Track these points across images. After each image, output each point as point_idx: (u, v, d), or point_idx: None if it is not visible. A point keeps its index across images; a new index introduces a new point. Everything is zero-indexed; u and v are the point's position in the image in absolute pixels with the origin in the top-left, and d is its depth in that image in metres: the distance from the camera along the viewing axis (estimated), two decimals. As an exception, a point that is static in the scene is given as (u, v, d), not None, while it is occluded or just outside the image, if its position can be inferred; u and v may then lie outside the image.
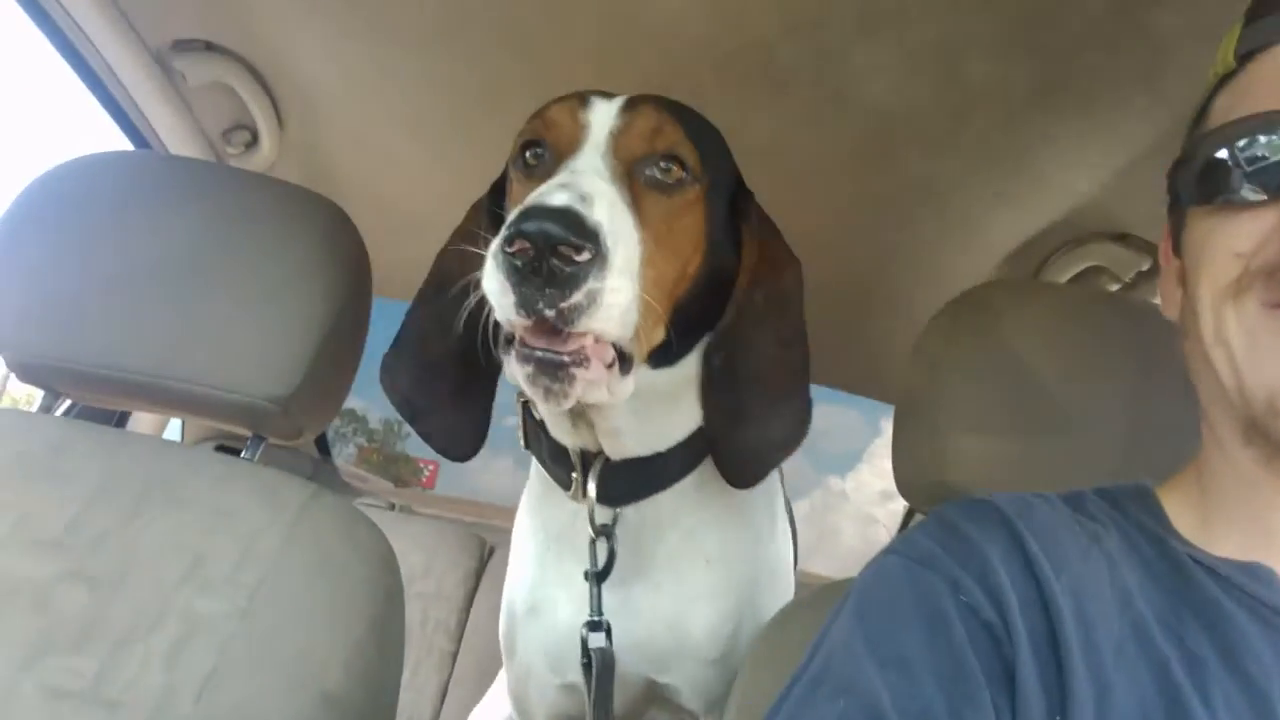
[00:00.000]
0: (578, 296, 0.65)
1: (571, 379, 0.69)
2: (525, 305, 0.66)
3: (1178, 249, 0.65)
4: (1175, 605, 0.56)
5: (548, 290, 0.65)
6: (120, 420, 1.57)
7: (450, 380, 0.90)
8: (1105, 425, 0.90)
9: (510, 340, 0.72)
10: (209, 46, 1.35)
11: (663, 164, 0.80)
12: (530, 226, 0.63)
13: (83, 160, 1.03)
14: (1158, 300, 1.30)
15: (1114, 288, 1.37)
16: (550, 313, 0.65)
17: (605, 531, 0.91)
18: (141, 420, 1.61)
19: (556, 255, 0.64)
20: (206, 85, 1.37)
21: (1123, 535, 0.61)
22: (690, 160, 0.81)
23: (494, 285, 0.67)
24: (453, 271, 0.85)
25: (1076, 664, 0.51)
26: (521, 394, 0.93)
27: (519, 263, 0.64)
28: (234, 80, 1.39)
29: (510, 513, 1.11)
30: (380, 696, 0.81)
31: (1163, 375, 0.90)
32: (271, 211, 1.00)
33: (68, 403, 1.09)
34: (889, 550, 0.64)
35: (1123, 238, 1.32)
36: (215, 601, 0.80)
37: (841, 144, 1.29)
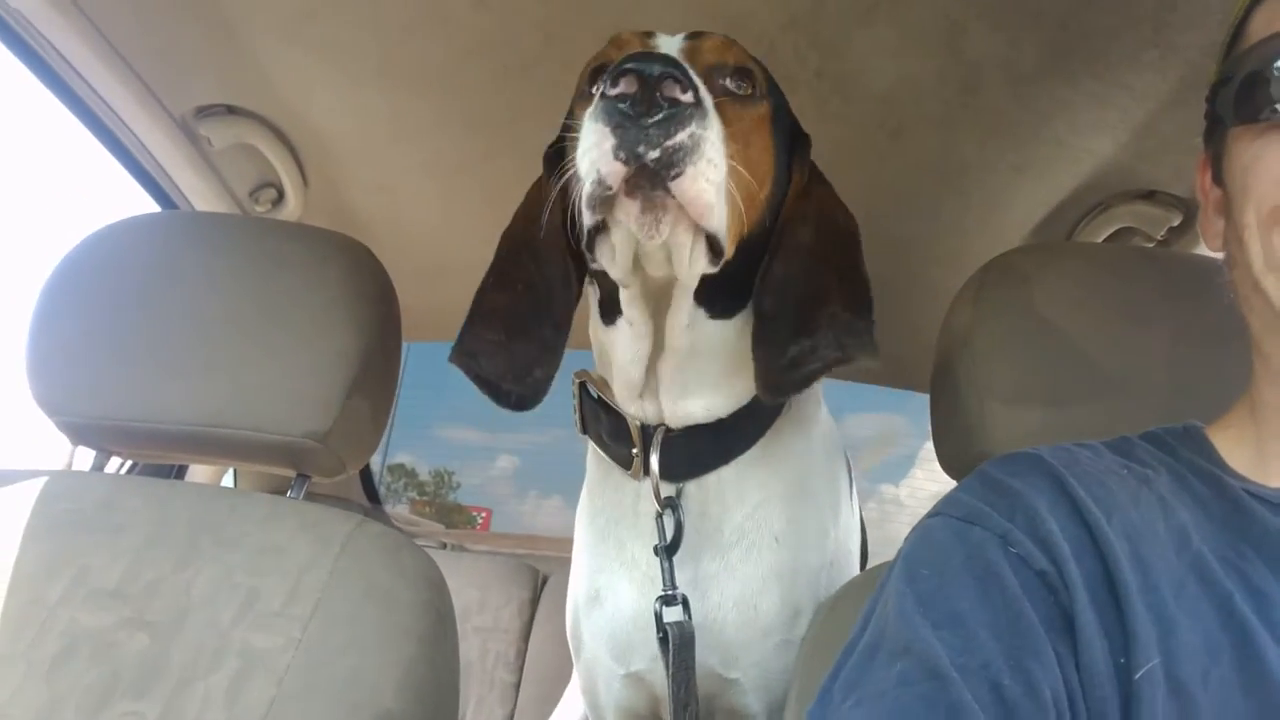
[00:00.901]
0: (682, 135, 0.65)
1: (668, 195, 0.67)
2: (626, 148, 0.65)
3: (1218, 177, 0.64)
4: (1234, 541, 0.54)
5: (650, 129, 0.64)
6: (179, 475, 1.61)
7: (522, 319, 0.89)
8: (1146, 382, 0.88)
9: (598, 230, 0.72)
10: (231, 109, 1.40)
11: (734, 78, 0.82)
12: (634, 64, 0.64)
13: (115, 226, 1.07)
14: (1193, 250, 1.28)
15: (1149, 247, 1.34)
16: (654, 154, 0.64)
17: (670, 504, 0.89)
18: (196, 474, 1.65)
19: (660, 95, 0.64)
20: (231, 147, 1.42)
21: (1174, 476, 0.59)
22: (759, 76, 0.84)
23: (591, 138, 0.67)
24: (526, 224, 0.92)
25: (1136, 605, 0.50)
26: (578, 375, 0.96)
27: (622, 105, 0.64)
28: (257, 140, 1.44)
29: (563, 543, 1.11)
30: (439, 712, 0.82)
31: (1201, 326, 0.87)
32: (299, 256, 1.03)
33: (118, 462, 1.12)
34: (933, 512, 0.62)
35: (1150, 195, 1.29)
36: (269, 636, 0.82)
37: (852, 133, 1.29)
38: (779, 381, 0.82)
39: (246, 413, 0.97)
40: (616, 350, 0.89)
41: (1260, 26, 0.59)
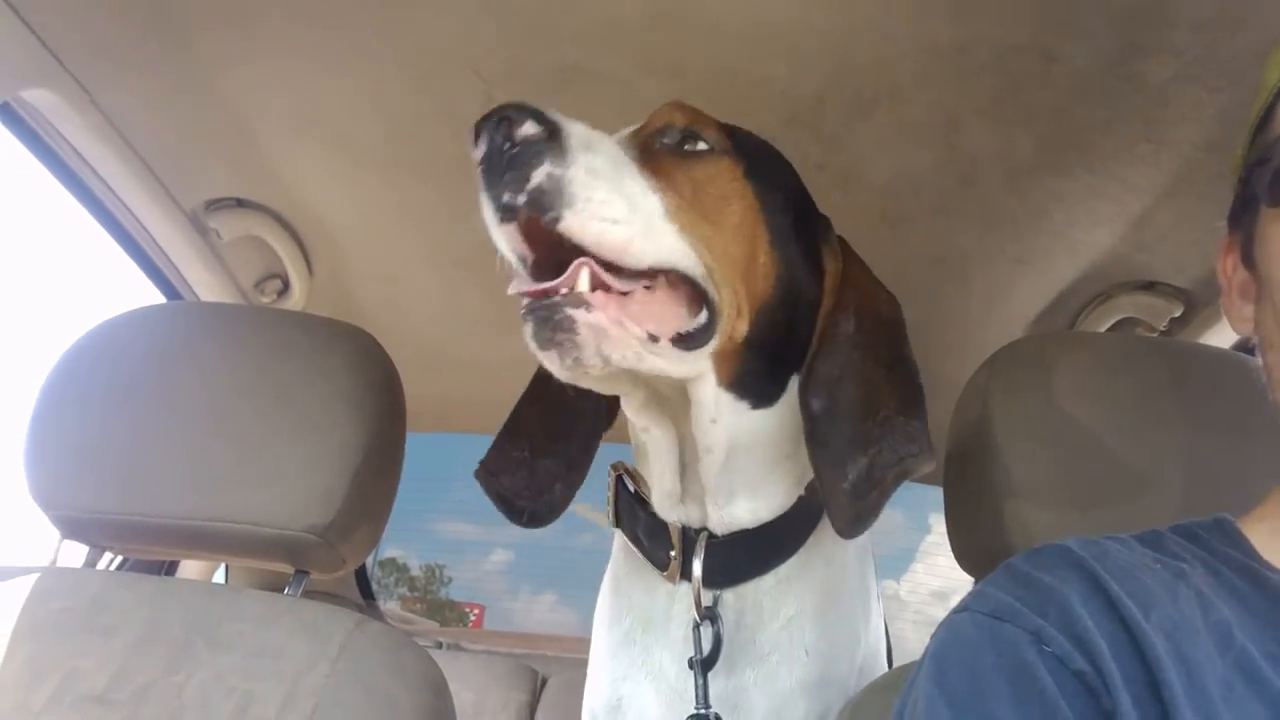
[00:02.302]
0: (537, 177, 0.63)
1: (570, 322, 0.64)
2: (497, 202, 0.64)
3: (1247, 259, 0.64)
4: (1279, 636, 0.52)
5: (506, 175, 0.64)
6: (170, 571, 1.56)
7: (551, 433, 0.89)
8: (1165, 473, 0.86)
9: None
10: (240, 202, 1.42)
11: (681, 138, 0.79)
12: (480, 120, 0.64)
13: (119, 318, 1.07)
14: (1197, 340, 1.28)
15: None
16: (521, 199, 0.63)
17: (710, 614, 0.84)
18: (187, 569, 1.60)
19: (509, 141, 0.64)
20: (238, 239, 1.43)
21: (1209, 570, 0.57)
22: (711, 135, 0.80)
23: (485, 213, 0.66)
24: None
25: (1183, 707, 0.47)
26: (615, 468, 0.92)
27: (482, 165, 0.64)
28: (265, 232, 1.46)
29: (562, 641, 1.07)
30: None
31: (1216, 416, 0.87)
32: (302, 345, 1.03)
33: (109, 557, 1.09)
34: (959, 609, 0.60)
35: (1150, 286, 1.30)
36: (264, 744, 0.78)
37: (854, 225, 1.29)
38: (855, 515, 0.76)
39: (245, 506, 0.95)
40: (649, 458, 0.86)
41: None
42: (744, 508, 0.85)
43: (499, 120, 0.64)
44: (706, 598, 0.85)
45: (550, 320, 0.65)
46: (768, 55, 1.05)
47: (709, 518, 0.85)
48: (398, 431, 1.06)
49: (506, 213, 0.65)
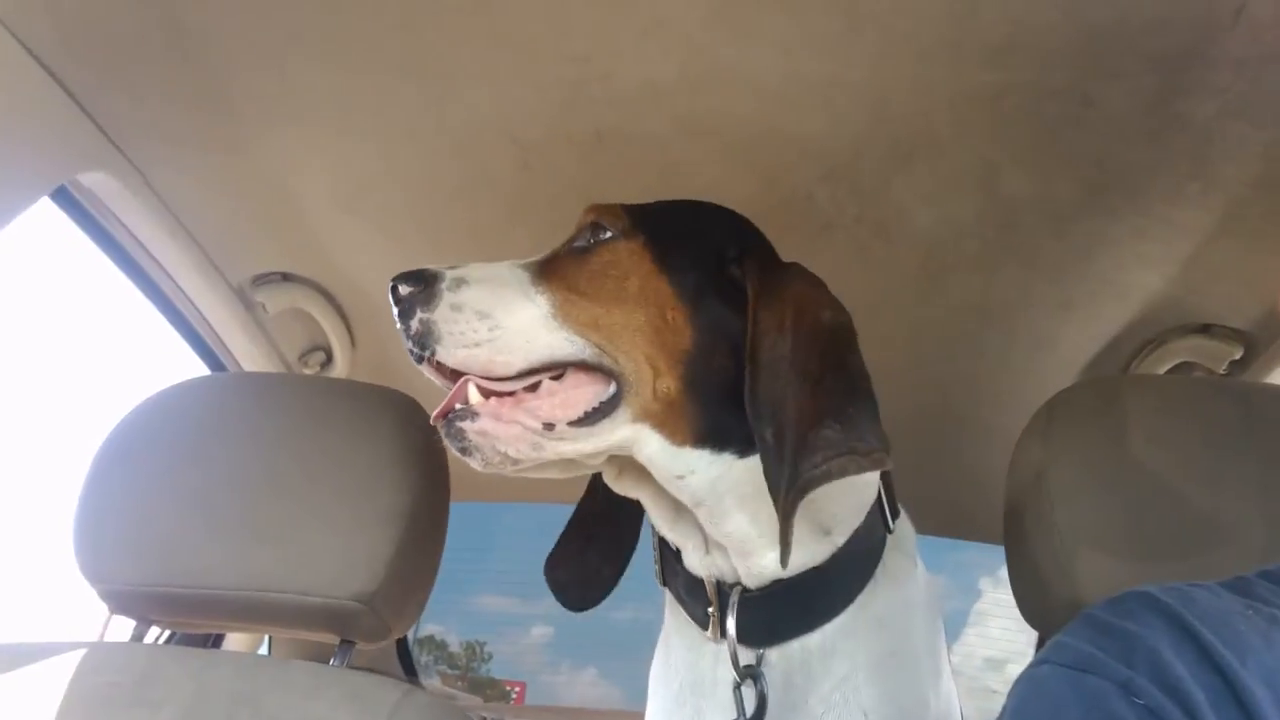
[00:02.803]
0: (414, 325, 0.78)
1: (461, 433, 0.77)
2: (408, 349, 0.79)
3: None
4: None
5: (400, 327, 0.79)
6: (216, 643, 1.55)
7: (603, 518, 0.96)
8: (1239, 517, 0.83)
9: None
10: (286, 277, 1.45)
11: (592, 234, 0.87)
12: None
13: (169, 390, 1.09)
14: (1261, 381, 1.24)
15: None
16: (409, 344, 0.79)
17: (751, 673, 0.82)
18: (231, 643, 1.59)
19: (402, 302, 0.79)
20: (284, 311, 1.46)
21: (1305, 616, 0.54)
22: (614, 222, 0.86)
23: None
24: None
25: (1295, 763, 0.44)
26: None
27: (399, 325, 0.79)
28: (309, 305, 1.48)
29: (606, 716, 1.06)
30: None
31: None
32: (348, 412, 1.03)
33: (155, 631, 1.08)
34: (1037, 662, 0.57)
35: (1206, 329, 1.27)
36: (310, 822, 0.75)
37: (893, 276, 1.30)
38: (785, 507, 0.72)
39: (291, 575, 0.94)
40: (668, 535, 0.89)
41: None
42: (769, 558, 0.81)
43: (391, 288, 0.80)
44: (750, 656, 0.83)
45: (450, 433, 0.78)
46: (803, 111, 1.06)
47: (738, 569, 0.84)
48: (442, 496, 1.05)
49: (415, 356, 0.80)
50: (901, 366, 1.50)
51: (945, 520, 1.76)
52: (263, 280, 1.44)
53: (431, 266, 0.81)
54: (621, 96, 1.07)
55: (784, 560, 0.73)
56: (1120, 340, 1.34)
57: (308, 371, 1.59)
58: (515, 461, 0.78)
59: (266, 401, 1.05)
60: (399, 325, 0.80)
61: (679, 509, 0.84)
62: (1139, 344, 1.34)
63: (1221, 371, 1.28)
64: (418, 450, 1.01)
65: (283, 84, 1.10)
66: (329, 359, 1.59)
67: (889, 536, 0.89)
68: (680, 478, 0.80)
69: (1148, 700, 0.49)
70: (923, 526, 1.09)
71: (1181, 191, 1.08)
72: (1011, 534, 0.96)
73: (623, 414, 0.79)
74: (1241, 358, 1.26)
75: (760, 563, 0.82)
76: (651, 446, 0.80)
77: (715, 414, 0.80)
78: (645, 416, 0.79)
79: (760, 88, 1.03)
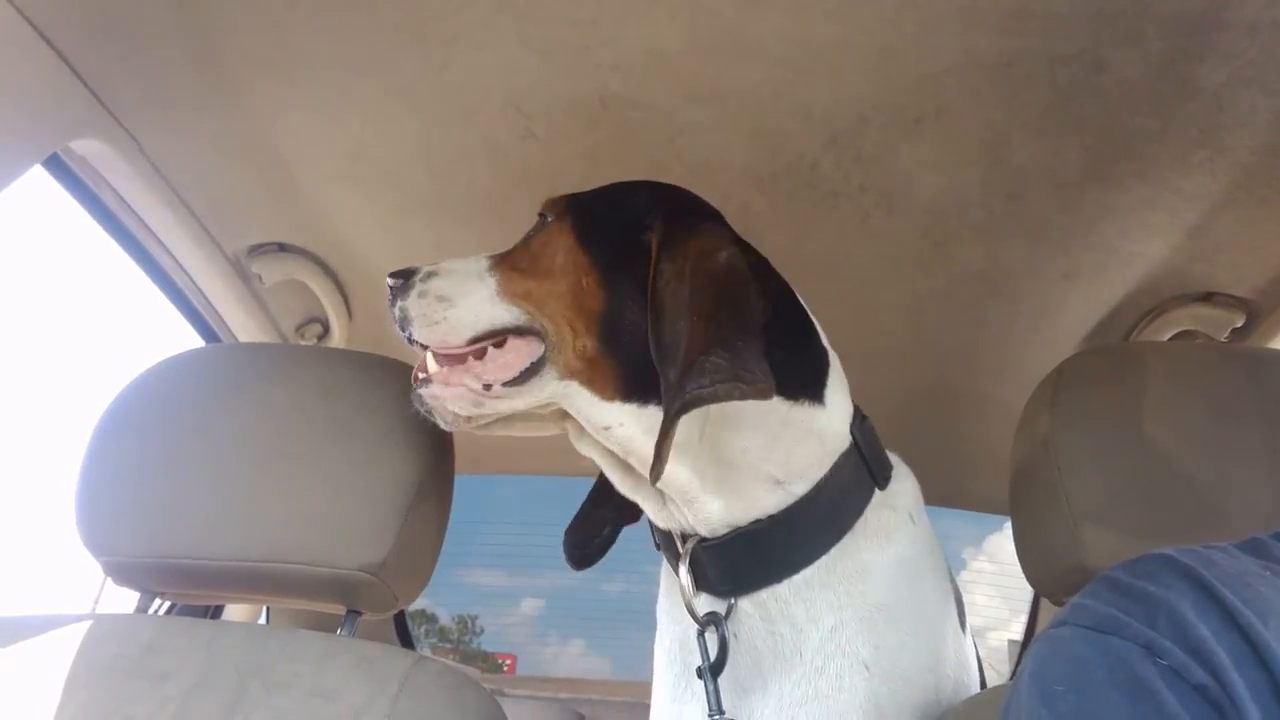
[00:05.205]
0: (395, 312, 0.90)
1: (419, 397, 0.89)
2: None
3: None
4: None
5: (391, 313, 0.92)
6: (215, 614, 1.54)
7: (596, 499, 1.03)
8: (1247, 480, 0.83)
9: None
10: (282, 247, 1.43)
11: (540, 223, 0.96)
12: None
13: (168, 360, 1.07)
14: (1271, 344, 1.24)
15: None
16: (397, 328, 0.91)
17: (713, 619, 0.86)
18: (231, 613, 1.59)
19: (391, 293, 0.92)
20: (280, 283, 1.44)
21: (1323, 577, 0.54)
22: (552, 209, 0.96)
23: None
24: None
25: (1322, 721, 0.44)
26: None
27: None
28: (306, 276, 1.46)
29: (600, 684, 1.07)
30: None
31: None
32: (352, 382, 1.02)
33: (159, 603, 1.08)
34: (1058, 623, 0.57)
35: (1208, 297, 1.27)
36: (324, 789, 0.75)
37: (897, 246, 1.29)
38: (665, 425, 0.75)
39: (297, 546, 0.93)
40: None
41: None
42: (714, 506, 0.85)
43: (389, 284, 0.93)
44: (720, 605, 0.87)
45: (414, 398, 0.90)
46: (810, 78, 1.05)
47: (688, 518, 0.87)
48: (447, 466, 1.04)
49: (406, 338, 0.91)
50: (904, 339, 1.50)
51: (946, 490, 1.77)
52: (259, 251, 1.42)
53: (416, 264, 0.93)
54: (626, 62, 1.06)
55: (654, 475, 0.77)
56: (1122, 309, 1.34)
57: (304, 343, 1.57)
58: (467, 419, 0.88)
59: (270, 371, 1.04)
60: (391, 313, 0.92)
61: (629, 466, 0.89)
62: (1140, 313, 1.34)
63: (1224, 339, 1.28)
64: (425, 421, 1.00)
65: (280, 48, 1.07)
66: (325, 331, 1.58)
67: (878, 493, 0.90)
68: (607, 429, 0.85)
69: (1171, 661, 0.49)
70: (924, 497, 1.10)
71: (1189, 159, 1.07)
72: (1017, 501, 0.96)
73: (549, 373, 0.86)
74: (1243, 325, 1.27)
75: (706, 510, 0.85)
76: (579, 401, 0.86)
77: (636, 368, 0.84)
78: (571, 374, 0.86)
79: (767, 53, 1.02)
